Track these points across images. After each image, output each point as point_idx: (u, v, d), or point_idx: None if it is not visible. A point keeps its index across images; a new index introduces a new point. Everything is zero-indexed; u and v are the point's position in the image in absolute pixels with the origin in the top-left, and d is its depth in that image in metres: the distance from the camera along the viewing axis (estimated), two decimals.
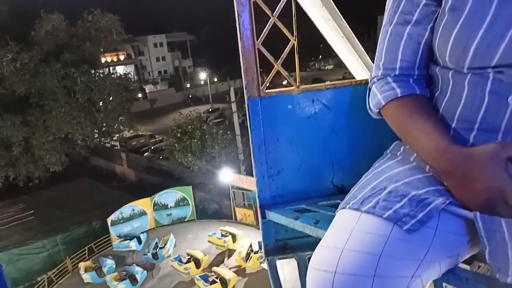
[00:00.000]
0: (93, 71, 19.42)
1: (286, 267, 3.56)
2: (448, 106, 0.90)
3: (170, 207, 17.32)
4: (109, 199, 18.98)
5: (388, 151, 1.06)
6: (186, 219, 17.46)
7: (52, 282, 14.60)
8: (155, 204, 17.15)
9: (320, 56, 59.87)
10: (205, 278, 12.79)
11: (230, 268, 13.34)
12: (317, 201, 1.48)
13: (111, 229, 16.30)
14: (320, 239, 0.84)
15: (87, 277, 14.10)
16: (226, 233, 14.83)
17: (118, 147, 27.82)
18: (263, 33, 1.42)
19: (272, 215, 1.48)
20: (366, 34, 44.86)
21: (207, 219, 17.47)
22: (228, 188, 16.93)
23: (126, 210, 16.62)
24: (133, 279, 13.46)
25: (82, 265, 14.58)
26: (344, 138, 1.51)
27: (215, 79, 50.20)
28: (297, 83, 1.47)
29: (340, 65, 61.59)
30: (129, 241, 15.71)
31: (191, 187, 17.18)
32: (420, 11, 0.92)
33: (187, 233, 16.43)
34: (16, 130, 18.18)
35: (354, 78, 2.02)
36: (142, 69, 53.57)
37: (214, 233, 15.02)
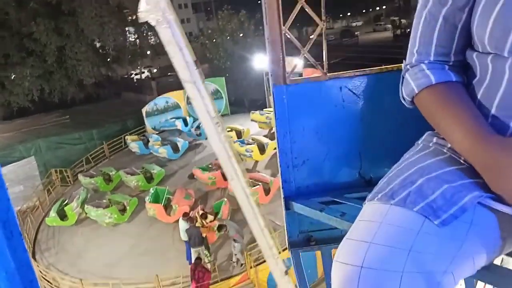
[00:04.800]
0: None
1: None
2: (487, 94, 0.82)
3: None
4: (142, 106, 18.98)
5: (419, 142, 0.97)
6: (220, 114, 17.20)
7: (89, 162, 14.72)
8: (188, 97, 16.92)
9: (349, 14, 58.16)
10: (242, 141, 12.66)
11: None
12: (343, 193, 1.42)
13: (146, 120, 16.25)
14: (346, 232, 0.80)
15: (134, 146, 14.27)
16: (269, 112, 14.60)
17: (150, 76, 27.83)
18: (290, 17, 1.35)
19: (297, 207, 1.42)
20: None
21: (240, 113, 17.16)
22: (262, 80, 16.45)
23: (160, 101, 16.49)
24: (175, 148, 13.43)
25: (129, 137, 14.77)
26: (373, 128, 1.42)
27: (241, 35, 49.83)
28: (325, 70, 1.40)
29: (369, 22, 60.31)
30: (175, 119, 15.67)
31: (224, 78, 16.84)
32: None
33: (228, 121, 16.24)
34: (49, 37, 18.26)
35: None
36: None
37: (257, 111, 14.82)
